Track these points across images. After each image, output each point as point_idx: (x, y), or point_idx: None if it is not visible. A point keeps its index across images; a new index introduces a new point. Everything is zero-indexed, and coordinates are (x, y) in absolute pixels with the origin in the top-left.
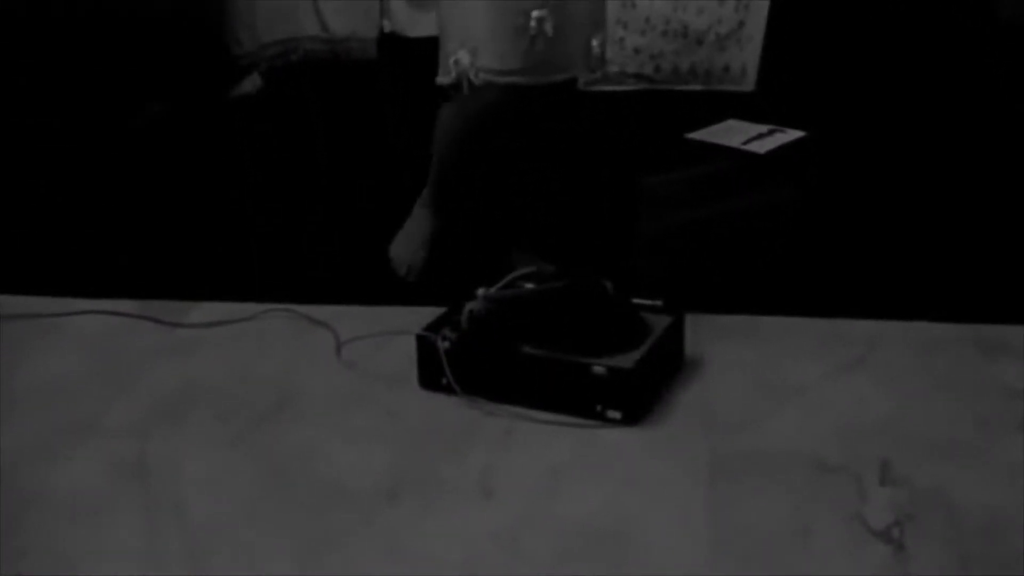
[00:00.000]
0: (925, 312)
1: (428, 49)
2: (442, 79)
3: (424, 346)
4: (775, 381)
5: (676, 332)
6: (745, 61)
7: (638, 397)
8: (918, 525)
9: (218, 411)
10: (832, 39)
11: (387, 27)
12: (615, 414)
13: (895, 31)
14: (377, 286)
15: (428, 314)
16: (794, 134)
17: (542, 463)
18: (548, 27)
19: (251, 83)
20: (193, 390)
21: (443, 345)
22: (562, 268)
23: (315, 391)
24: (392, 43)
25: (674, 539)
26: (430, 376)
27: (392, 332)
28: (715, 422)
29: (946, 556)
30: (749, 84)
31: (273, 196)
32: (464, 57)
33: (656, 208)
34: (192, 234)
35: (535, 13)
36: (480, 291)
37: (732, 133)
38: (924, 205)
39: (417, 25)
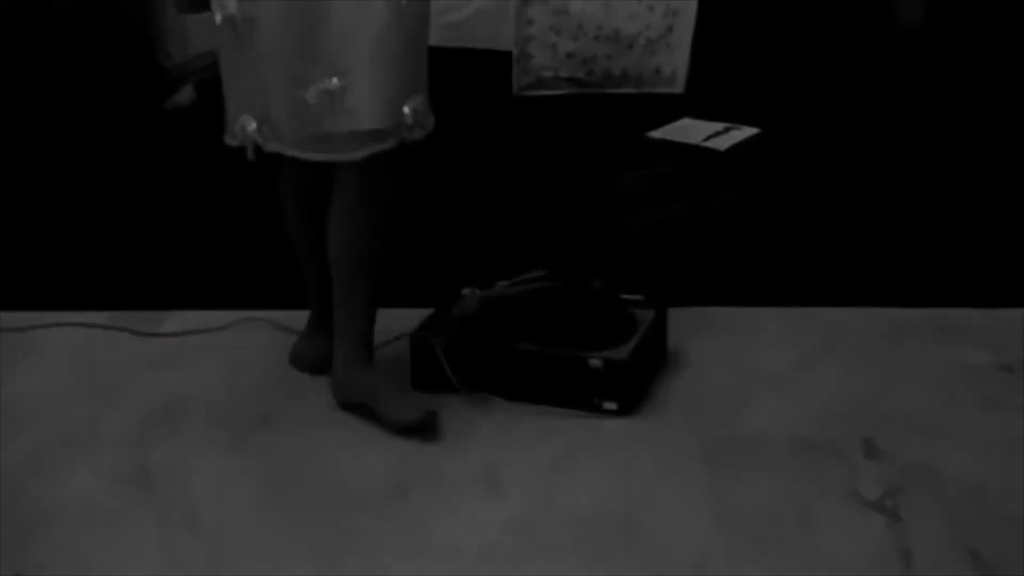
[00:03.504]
0: (886, 298)
1: None
2: (229, 141)
3: (419, 346)
4: (754, 369)
5: (661, 325)
6: (675, 64)
7: (633, 388)
8: (909, 496)
9: (213, 418)
10: (757, 41)
11: None
12: (611, 405)
13: (812, 33)
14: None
15: (402, 316)
16: (749, 131)
17: (544, 455)
18: (343, 98)
19: (185, 95)
20: (184, 399)
21: (440, 345)
22: (550, 268)
23: (306, 396)
24: None
25: (682, 523)
26: (424, 376)
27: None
28: (704, 410)
29: (940, 522)
30: (679, 86)
31: (224, 205)
32: (248, 123)
33: (630, 206)
34: (150, 244)
35: (319, 86)
36: (466, 291)
37: (690, 131)
38: (873, 196)
39: None
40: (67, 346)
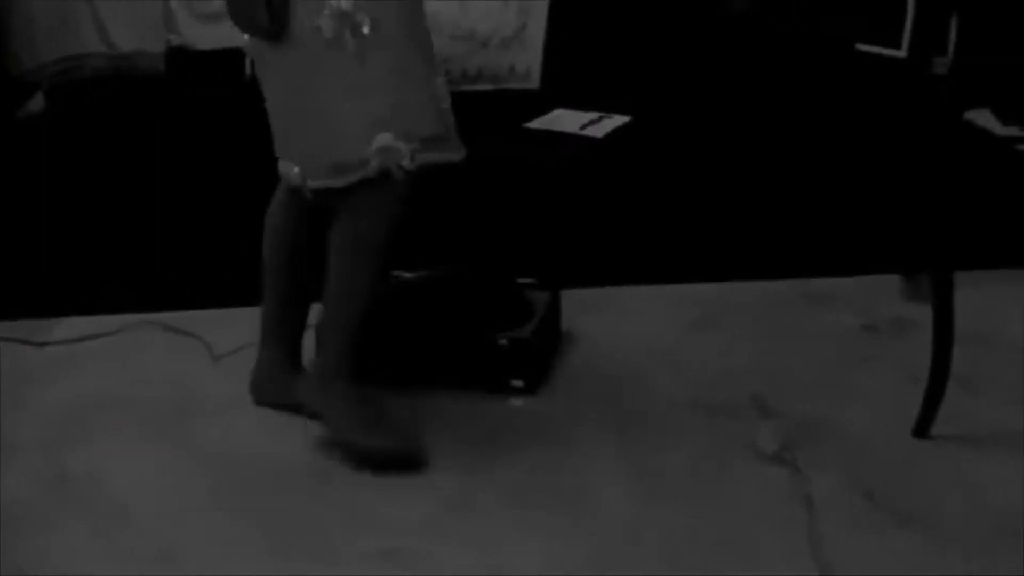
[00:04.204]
0: (754, 271)
1: (217, 61)
2: (345, 179)
3: None
4: (644, 343)
5: (555, 307)
6: (529, 61)
7: (537, 365)
8: (804, 448)
9: (128, 417)
10: (608, 36)
11: (175, 41)
12: (518, 383)
13: (656, 24)
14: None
15: None
16: (620, 119)
17: (463, 434)
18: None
19: (37, 103)
20: (94, 401)
21: None
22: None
23: (212, 391)
24: (181, 57)
25: (605, 487)
26: None
27: None
28: (605, 383)
29: (834, 469)
30: (534, 82)
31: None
32: (392, 141)
33: (520, 194)
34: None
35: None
36: None
37: (565, 121)
38: (736, 175)
39: (205, 38)
40: None
